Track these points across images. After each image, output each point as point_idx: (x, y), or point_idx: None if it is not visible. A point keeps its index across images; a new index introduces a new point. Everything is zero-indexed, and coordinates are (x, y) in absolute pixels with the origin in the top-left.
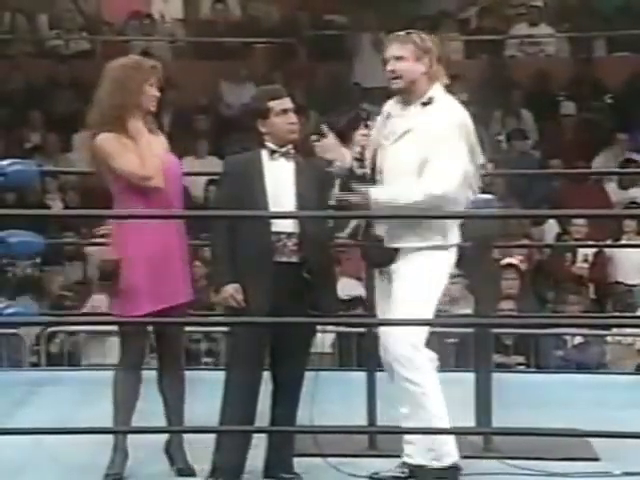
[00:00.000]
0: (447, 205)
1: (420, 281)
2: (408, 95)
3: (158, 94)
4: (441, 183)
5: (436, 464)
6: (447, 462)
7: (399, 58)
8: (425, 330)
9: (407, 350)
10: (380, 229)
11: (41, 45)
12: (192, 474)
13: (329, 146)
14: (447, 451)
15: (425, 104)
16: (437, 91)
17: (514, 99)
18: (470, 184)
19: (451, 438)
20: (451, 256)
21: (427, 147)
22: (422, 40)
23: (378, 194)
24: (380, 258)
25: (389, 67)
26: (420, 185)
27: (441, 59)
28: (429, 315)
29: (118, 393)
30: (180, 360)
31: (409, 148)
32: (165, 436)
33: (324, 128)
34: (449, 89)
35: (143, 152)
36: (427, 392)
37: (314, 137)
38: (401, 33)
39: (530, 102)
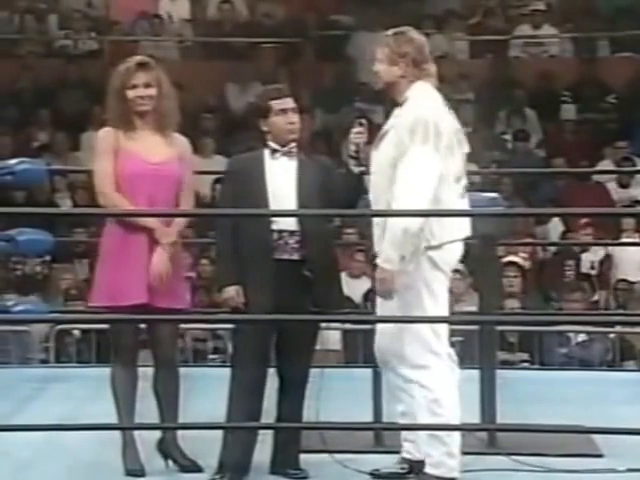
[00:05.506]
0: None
1: (423, 286)
2: (391, 96)
3: (144, 93)
4: (410, 204)
5: (434, 471)
6: (446, 475)
7: (378, 60)
8: (445, 333)
9: (424, 356)
10: (378, 243)
11: (50, 45)
12: (197, 469)
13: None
14: (450, 465)
15: (402, 104)
16: (413, 91)
17: (518, 99)
18: (455, 179)
19: (458, 453)
20: (446, 254)
21: (396, 147)
22: (398, 44)
23: (384, 257)
24: None
25: (374, 67)
26: (395, 204)
27: (416, 60)
28: (443, 313)
29: (117, 390)
30: (174, 359)
31: (386, 147)
32: (157, 435)
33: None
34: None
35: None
36: (439, 398)
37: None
38: (388, 33)
39: (534, 102)
